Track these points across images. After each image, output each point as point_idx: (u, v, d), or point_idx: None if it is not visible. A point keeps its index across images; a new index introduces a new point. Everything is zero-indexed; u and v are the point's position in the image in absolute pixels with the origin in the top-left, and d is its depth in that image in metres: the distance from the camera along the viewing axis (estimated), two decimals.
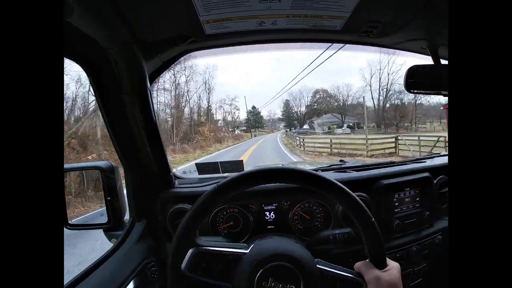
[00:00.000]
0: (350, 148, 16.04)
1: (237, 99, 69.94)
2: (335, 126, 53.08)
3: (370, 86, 50.17)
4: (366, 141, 15.40)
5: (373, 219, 0.72)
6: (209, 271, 0.74)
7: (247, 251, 0.76)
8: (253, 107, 72.83)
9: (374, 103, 49.85)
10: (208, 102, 41.13)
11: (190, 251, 0.72)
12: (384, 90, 47.61)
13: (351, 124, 52.32)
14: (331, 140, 17.74)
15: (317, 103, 66.97)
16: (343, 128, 50.48)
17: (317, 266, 0.74)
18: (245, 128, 62.46)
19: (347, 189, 0.72)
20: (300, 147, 20.28)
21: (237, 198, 1.12)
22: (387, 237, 1.19)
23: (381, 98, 48.54)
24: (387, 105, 47.59)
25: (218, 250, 0.75)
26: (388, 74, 46.22)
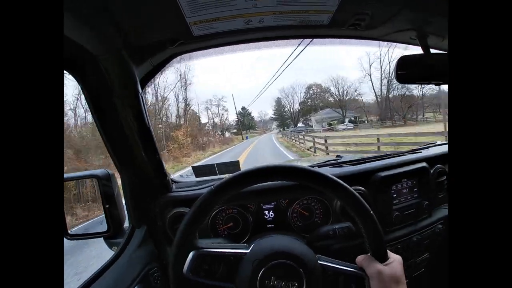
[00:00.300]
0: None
1: (225, 99, 68.76)
2: (335, 121, 50.45)
3: (370, 75, 47.84)
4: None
5: (371, 212, 0.72)
6: (211, 272, 0.74)
7: (248, 250, 0.76)
8: (243, 108, 72.63)
9: (376, 94, 47.09)
10: (186, 100, 35.35)
11: (191, 254, 0.72)
12: (386, 79, 44.81)
13: (352, 118, 49.63)
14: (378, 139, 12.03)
15: (311, 99, 65.49)
16: (345, 123, 47.68)
17: (319, 262, 0.75)
18: (235, 130, 60.75)
19: (343, 183, 0.72)
20: (312, 150, 15.28)
21: (235, 199, 1.12)
22: (387, 229, 1.20)
23: (383, 88, 45.42)
24: (390, 95, 44.38)
25: (219, 252, 0.75)
26: (389, 62, 43.13)
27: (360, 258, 0.74)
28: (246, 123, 71.88)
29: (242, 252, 0.76)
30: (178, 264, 0.71)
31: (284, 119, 67.93)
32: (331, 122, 50.41)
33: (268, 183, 1.04)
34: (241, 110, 72.02)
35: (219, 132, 54.23)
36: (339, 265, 0.75)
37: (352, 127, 41.09)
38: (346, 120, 49.93)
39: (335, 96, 56.66)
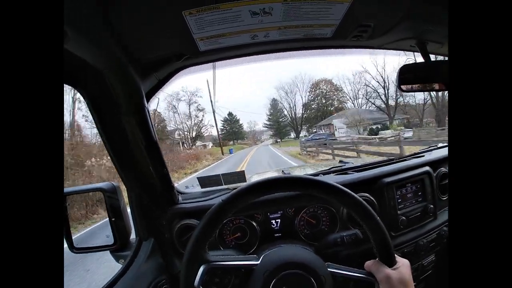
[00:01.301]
0: None
1: (201, 93, 48.10)
2: (377, 126, 34.91)
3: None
4: None
5: (377, 218, 0.73)
6: (223, 285, 0.74)
7: (258, 262, 0.76)
8: (230, 114, 63.31)
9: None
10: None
11: (201, 268, 0.72)
12: None
13: (405, 121, 35.40)
14: None
15: (325, 97, 52.58)
16: (396, 129, 28.42)
17: (328, 269, 0.76)
18: (220, 138, 43.08)
19: (348, 191, 0.73)
20: None
21: (242, 210, 1.12)
22: (394, 234, 1.21)
23: None
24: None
25: (229, 265, 0.76)
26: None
27: (369, 263, 0.75)
28: (234, 131, 62.97)
29: (253, 264, 0.76)
30: (189, 278, 0.71)
31: (281, 126, 59.40)
32: (373, 127, 35.23)
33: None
34: (227, 116, 62.69)
35: (189, 142, 41.89)
36: (349, 271, 0.76)
37: (410, 135, 22.05)
38: (395, 122, 35.66)
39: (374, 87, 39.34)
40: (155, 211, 1.11)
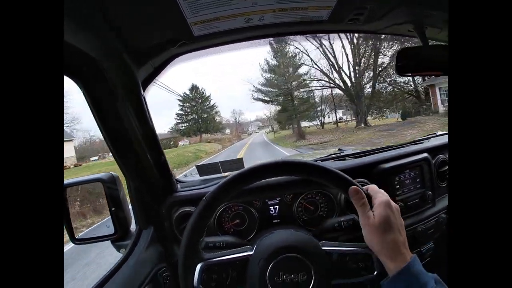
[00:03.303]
0: None
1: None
2: None
3: None
4: None
5: (364, 189, 0.73)
6: (221, 280, 0.75)
7: (252, 252, 0.77)
8: (194, 86, 40.55)
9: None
10: None
11: (198, 267, 0.73)
12: None
13: None
14: None
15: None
16: None
17: (322, 248, 0.76)
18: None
19: (321, 164, 0.75)
20: None
21: (239, 196, 1.14)
22: None
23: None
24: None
25: (224, 259, 0.76)
26: None
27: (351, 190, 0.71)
28: (200, 118, 40.23)
29: (247, 255, 0.77)
30: (188, 279, 0.72)
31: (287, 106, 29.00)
32: None
33: (271, 179, 1.05)
34: (189, 93, 40.45)
35: None
36: (343, 247, 0.77)
37: None
38: None
39: None
40: (154, 199, 1.11)
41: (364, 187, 0.73)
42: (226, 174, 1.26)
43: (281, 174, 0.77)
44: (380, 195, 0.71)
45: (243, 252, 0.78)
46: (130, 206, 1.11)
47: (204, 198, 0.73)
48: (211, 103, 41.34)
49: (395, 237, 0.65)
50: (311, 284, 0.72)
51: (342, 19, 0.95)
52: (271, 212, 1.18)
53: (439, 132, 1.86)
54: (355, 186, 0.71)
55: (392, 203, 0.69)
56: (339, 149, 1.71)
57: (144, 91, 0.96)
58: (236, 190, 0.75)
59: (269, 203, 1.18)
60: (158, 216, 1.12)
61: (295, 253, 0.74)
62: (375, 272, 0.72)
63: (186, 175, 1.39)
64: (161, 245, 1.10)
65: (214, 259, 0.75)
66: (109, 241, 1.12)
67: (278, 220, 1.18)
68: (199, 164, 1.25)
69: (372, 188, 0.74)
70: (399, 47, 1.02)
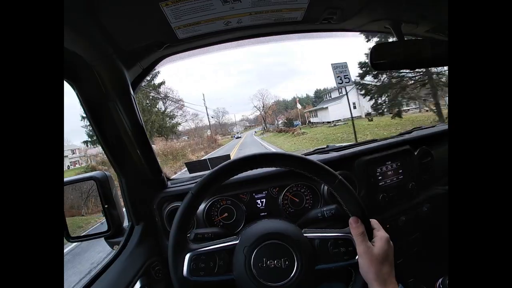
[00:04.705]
0: None
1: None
2: None
3: None
4: None
5: (340, 177, 0.77)
6: (210, 269, 0.78)
7: (238, 241, 0.81)
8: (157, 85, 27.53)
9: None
10: None
11: (186, 257, 0.77)
12: None
13: None
14: None
15: None
16: None
17: (304, 234, 0.80)
18: None
19: (304, 157, 0.79)
20: None
21: (227, 190, 1.19)
22: (374, 211, 1.25)
23: None
24: None
25: (211, 249, 0.79)
26: None
27: (351, 222, 0.77)
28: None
29: (233, 244, 0.81)
30: (178, 270, 0.76)
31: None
32: None
33: (257, 172, 1.10)
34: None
35: None
36: (325, 233, 0.81)
37: None
38: None
39: None
40: (145, 196, 1.15)
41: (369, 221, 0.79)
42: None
43: (264, 165, 0.81)
44: (382, 231, 0.78)
45: (229, 241, 0.82)
46: (122, 204, 1.15)
47: (190, 191, 0.77)
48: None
49: (390, 270, 0.72)
50: (294, 269, 0.75)
51: (317, 19, 1.00)
52: (258, 205, 1.22)
53: (424, 126, 1.91)
54: (355, 217, 0.76)
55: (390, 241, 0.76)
56: (327, 145, 1.75)
57: (134, 91, 1.01)
58: (220, 182, 0.79)
59: (256, 196, 1.22)
60: (149, 212, 1.16)
61: (277, 240, 0.78)
62: (356, 257, 0.76)
63: (176, 172, 1.41)
64: (152, 239, 1.14)
65: (202, 249, 0.79)
66: (103, 238, 1.15)
67: (265, 213, 1.22)
68: (188, 161, 1.29)
69: (374, 222, 0.80)
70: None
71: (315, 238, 0.80)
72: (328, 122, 25.92)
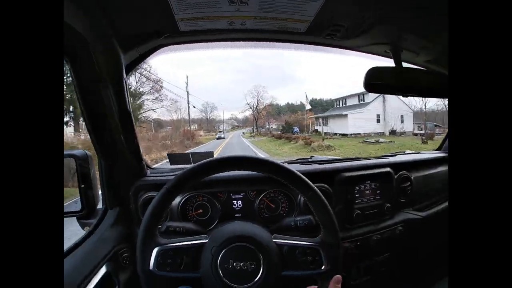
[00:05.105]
0: None
1: None
2: None
3: None
4: None
5: (315, 188, 0.79)
6: (176, 265, 0.78)
7: (207, 240, 0.81)
8: None
9: None
10: None
11: (154, 251, 0.77)
12: None
13: None
14: None
15: None
16: None
17: (273, 240, 0.81)
18: None
19: (283, 165, 0.81)
20: None
21: (204, 186, 1.19)
22: (348, 226, 1.29)
23: None
24: None
25: (180, 245, 0.80)
26: None
27: None
28: None
29: (202, 242, 0.81)
30: (144, 262, 0.76)
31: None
32: None
33: (238, 173, 1.10)
34: None
35: None
36: (294, 240, 0.82)
37: None
38: None
39: None
40: (124, 181, 1.15)
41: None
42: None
43: (244, 168, 0.82)
44: None
45: (199, 240, 0.82)
46: (99, 186, 1.14)
47: (165, 186, 0.78)
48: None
49: None
50: (260, 273, 0.76)
51: (319, 33, 1.01)
52: (234, 206, 1.23)
53: (408, 151, 1.95)
54: (340, 276, 0.76)
55: None
56: (311, 156, 1.77)
57: (127, 75, 1.00)
58: (197, 180, 0.80)
59: (233, 197, 1.23)
60: (125, 198, 1.15)
61: (246, 243, 0.78)
62: (323, 267, 0.78)
63: (157, 161, 1.40)
64: (124, 226, 1.13)
65: (170, 245, 0.79)
66: (75, 218, 1.14)
67: (240, 215, 1.23)
68: (170, 153, 1.28)
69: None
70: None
71: (284, 245, 0.81)
72: (344, 135, 21.73)
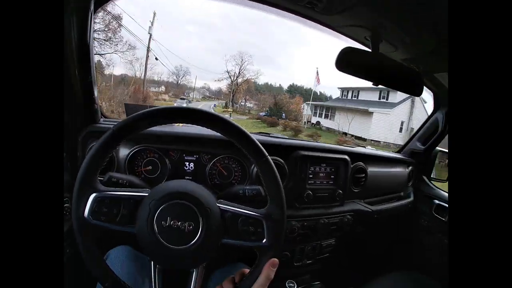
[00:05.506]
0: None
1: None
2: None
3: None
4: None
5: (268, 156, 0.76)
6: (111, 216, 0.72)
7: (147, 194, 0.76)
8: None
9: None
10: None
11: (91, 197, 0.71)
12: None
13: None
14: None
15: None
16: None
17: (217, 204, 0.77)
18: None
19: (238, 125, 0.77)
20: None
21: (157, 142, 1.13)
22: (298, 206, 1.30)
23: None
24: None
25: (118, 195, 0.74)
26: None
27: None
28: None
29: (142, 195, 0.75)
30: (79, 207, 0.69)
31: None
32: None
33: (193, 131, 1.05)
34: None
35: None
36: (238, 208, 0.78)
37: None
38: None
39: None
40: (72, 125, 1.06)
41: None
42: None
43: (195, 122, 0.76)
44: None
45: (139, 192, 0.76)
46: None
47: (112, 127, 0.71)
48: None
49: None
50: (197, 236, 0.72)
51: None
52: (185, 167, 1.19)
53: (369, 147, 1.99)
54: (276, 260, 0.74)
55: None
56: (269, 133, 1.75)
57: (98, 7, 0.93)
58: (147, 126, 0.73)
59: (185, 158, 1.19)
60: (73, 144, 1.07)
61: (187, 201, 0.73)
62: (264, 240, 0.75)
63: (113, 111, 1.33)
64: (68, 174, 1.05)
65: (108, 193, 0.73)
66: None
67: (190, 177, 1.19)
68: (128, 103, 1.21)
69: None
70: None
71: (227, 211, 0.77)
72: (359, 138, 17.43)
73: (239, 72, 31.67)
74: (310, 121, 23.63)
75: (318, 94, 27.97)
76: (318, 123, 22.52)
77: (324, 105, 23.26)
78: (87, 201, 0.70)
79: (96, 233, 0.71)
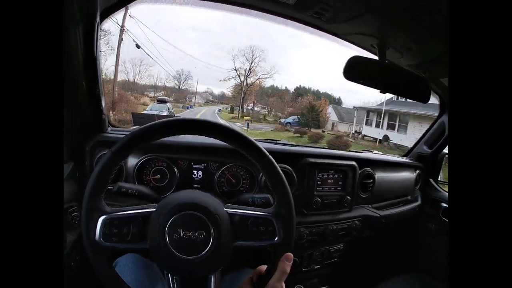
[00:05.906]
0: None
1: None
2: None
3: None
4: None
5: (269, 156, 0.76)
6: (122, 236, 0.72)
7: (154, 209, 0.76)
8: None
9: None
10: None
11: (100, 220, 0.71)
12: None
13: None
14: None
15: None
16: None
17: (225, 209, 0.77)
18: None
19: (238, 130, 0.76)
20: None
21: (166, 151, 1.14)
22: (306, 212, 1.30)
23: None
24: None
25: (126, 214, 0.74)
26: None
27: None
28: None
29: (149, 211, 0.75)
30: (90, 231, 0.70)
31: None
32: None
33: (200, 140, 1.05)
34: None
35: None
36: (246, 210, 0.78)
37: None
38: None
39: None
40: (81, 134, 1.07)
41: None
42: None
43: (198, 133, 0.75)
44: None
45: (146, 209, 0.76)
46: None
47: (110, 149, 0.71)
48: None
49: None
50: (210, 244, 0.72)
51: (308, 9, 0.97)
52: (194, 175, 1.20)
53: (375, 151, 1.99)
54: (291, 254, 0.75)
55: None
56: (277, 140, 1.75)
57: (103, 20, 0.93)
58: (147, 142, 0.72)
59: (194, 166, 1.19)
60: (81, 153, 1.08)
61: (195, 211, 0.73)
62: (276, 238, 0.75)
63: (121, 120, 1.34)
64: (76, 183, 1.06)
65: (115, 214, 0.72)
66: None
67: (199, 186, 1.20)
68: (136, 112, 1.22)
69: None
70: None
71: (236, 214, 0.77)
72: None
73: (250, 69, 27.18)
74: (358, 132, 19.84)
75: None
76: (386, 137, 16.57)
77: (377, 110, 18.60)
78: (97, 224, 0.70)
79: (107, 253, 0.71)
